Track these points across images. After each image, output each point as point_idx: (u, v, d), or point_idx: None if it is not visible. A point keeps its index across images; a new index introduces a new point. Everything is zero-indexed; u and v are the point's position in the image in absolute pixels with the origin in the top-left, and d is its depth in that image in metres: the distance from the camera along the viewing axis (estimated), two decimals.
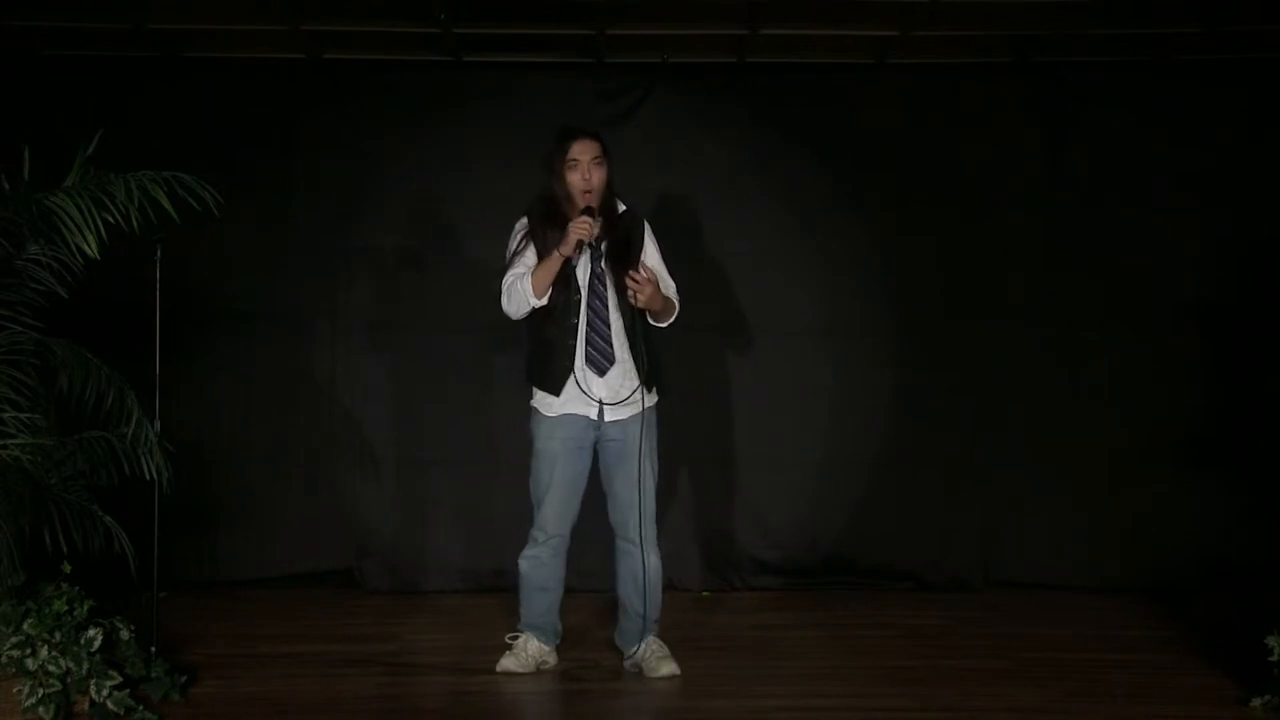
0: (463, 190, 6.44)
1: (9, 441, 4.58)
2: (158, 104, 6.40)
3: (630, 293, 4.87)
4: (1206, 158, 6.50)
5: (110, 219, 4.53)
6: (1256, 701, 4.72)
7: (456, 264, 6.42)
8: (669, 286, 5.11)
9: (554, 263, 4.85)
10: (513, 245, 5.03)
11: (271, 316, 6.49)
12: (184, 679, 4.79)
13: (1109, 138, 6.54)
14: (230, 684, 4.97)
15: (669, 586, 6.52)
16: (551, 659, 5.23)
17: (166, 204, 4.57)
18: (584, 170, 4.91)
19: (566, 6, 6.00)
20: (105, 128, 4.77)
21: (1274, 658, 4.68)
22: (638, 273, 4.87)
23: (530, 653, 5.16)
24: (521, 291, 4.90)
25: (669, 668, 5.11)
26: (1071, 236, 6.56)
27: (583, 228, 4.81)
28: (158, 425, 4.90)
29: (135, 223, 4.56)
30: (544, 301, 4.91)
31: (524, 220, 5.05)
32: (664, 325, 5.13)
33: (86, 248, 4.50)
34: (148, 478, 4.85)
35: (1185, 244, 6.52)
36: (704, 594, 6.54)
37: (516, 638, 5.22)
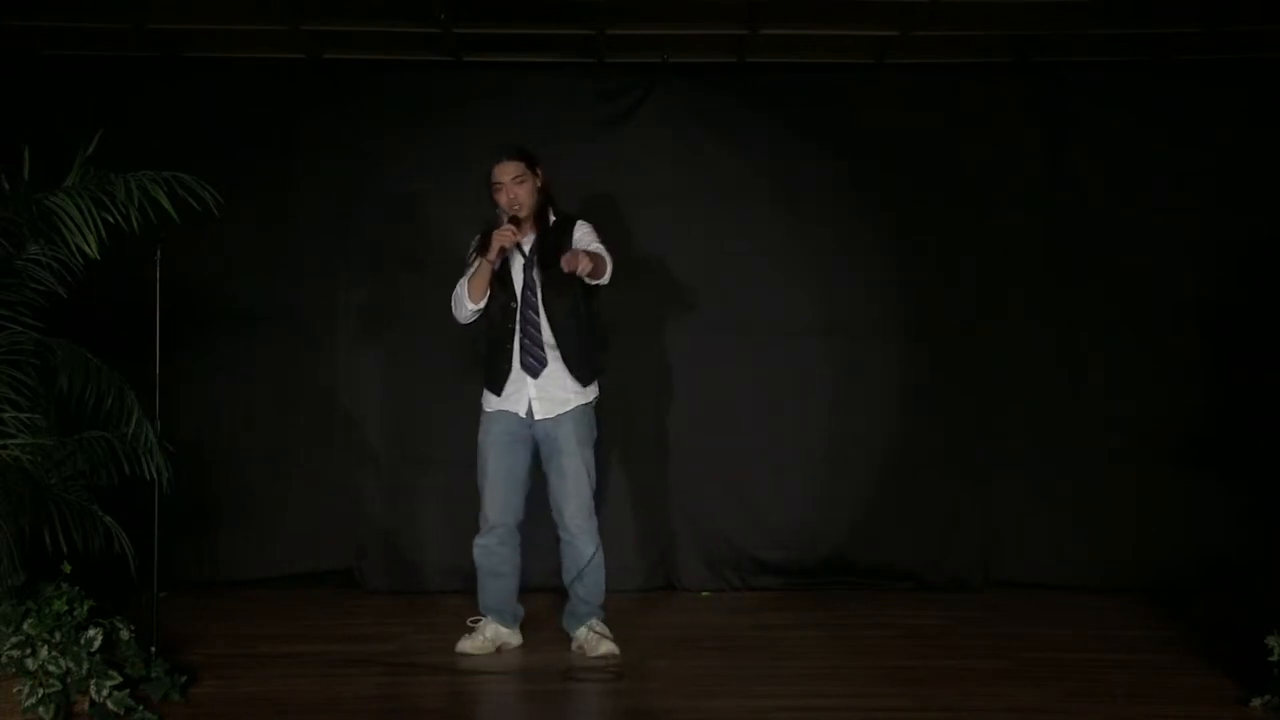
0: (463, 190, 6.43)
1: (9, 441, 4.59)
2: (158, 104, 6.40)
3: (568, 269, 5.10)
4: (1206, 158, 6.50)
5: (110, 219, 4.53)
6: (1256, 701, 4.72)
7: (456, 264, 6.35)
8: (598, 250, 5.26)
9: (483, 269, 5.27)
10: (467, 259, 5.42)
11: (271, 316, 6.49)
12: (184, 679, 4.79)
13: (1109, 138, 6.54)
14: (230, 684, 4.97)
15: (668, 586, 6.57)
16: (514, 639, 5.49)
17: (166, 204, 4.57)
18: (507, 190, 5.29)
19: (566, 6, 6.00)
20: (105, 128, 4.77)
21: (1274, 658, 4.68)
22: (566, 259, 5.13)
23: (488, 635, 5.43)
24: (461, 296, 5.33)
25: (606, 647, 5.37)
26: (1071, 236, 6.56)
27: (504, 235, 5.20)
28: (158, 425, 4.90)
29: (135, 223, 4.56)
30: (481, 305, 5.32)
31: (478, 237, 5.42)
32: (604, 280, 5.29)
33: (86, 248, 4.50)
34: (148, 478, 4.86)
35: (1185, 244, 6.51)
36: (704, 594, 6.54)
37: (477, 621, 5.48)
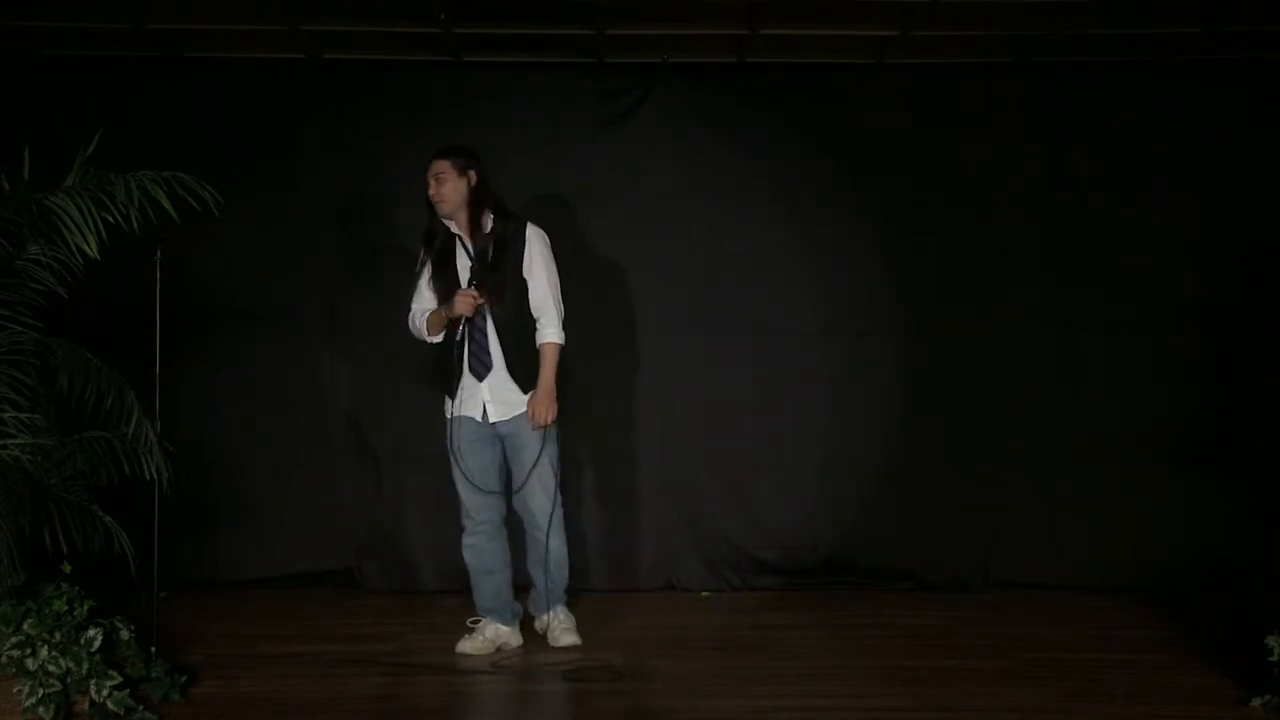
0: None
1: (9, 441, 4.58)
2: (158, 104, 6.40)
3: (534, 421, 5.33)
4: (1206, 158, 6.50)
5: (110, 219, 4.53)
6: (1256, 701, 4.71)
7: None
8: (549, 310, 5.38)
9: (441, 317, 5.39)
10: (418, 264, 5.54)
11: (271, 316, 6.49)
12: (184, 679, 4.78)
13: (1109, 138, 6.54)
14: (230, 684, 4.97)
15: (668, 586, 6.57)
16: (514, 639, 5.49)
17: (166, 204, 4.57)
18: (432, 187, 5.39)
19: (566, 6, 6.00)
20: (105, 128, 4.77)
21: (1274, 658, 4.68)
22: (534, 415, 5.34)
23: (488, 635, 5.46)
24: (420, 329, 5.49)
25: (569, 639, 5.47)
26: (1071, 236, 6.56)
27: (465, 303, 5.28)
28: (158, 425, 4.90)
29: (135, 223, 4.56)
30: (439, 339, 5.46)
31: (423, 244, 5.52)
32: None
33: (86, 248, 4.50)
34: (148, 478, 4.86)
35: (1185, 244, 6.51)
36: (704, 594, 6.53)
37: (477, 622, 5.51)
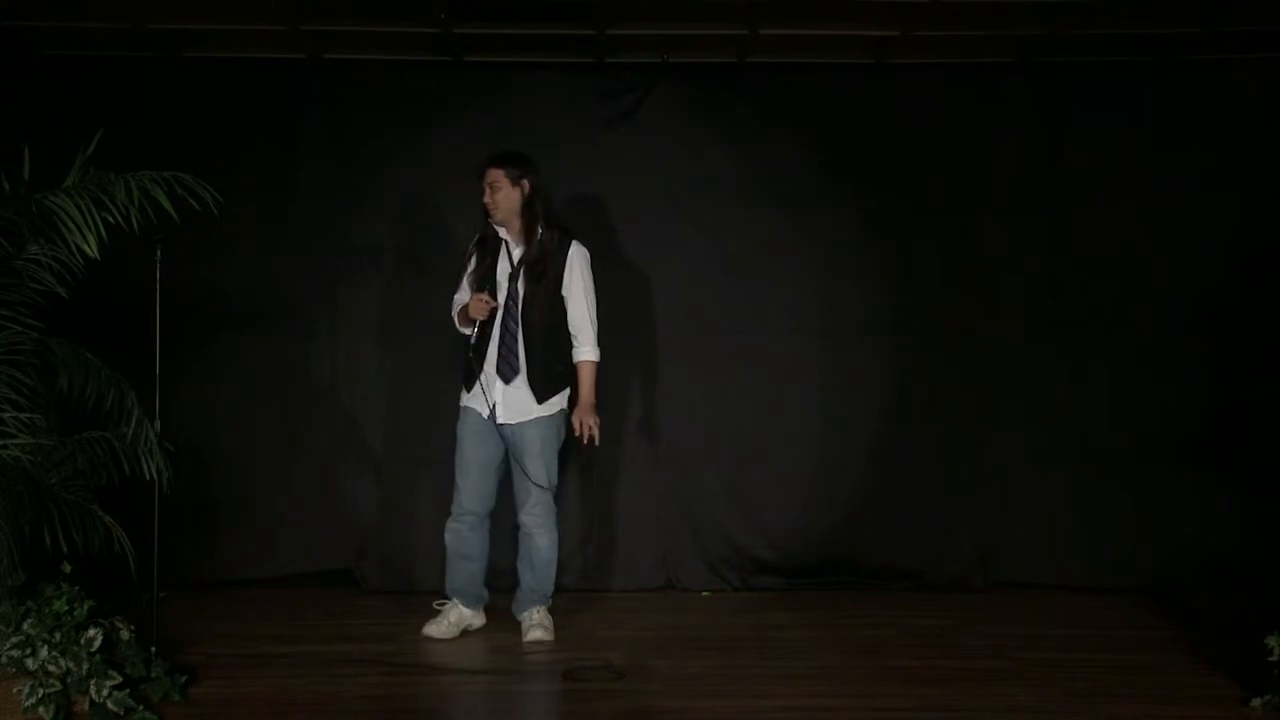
0: (463, 190, 6.43)
1: (9, 441, 4.59)
2: (158, 104, 6.40)
3: (589, 438, 5.58)
4: (1206, 158, 6.50)
5: (110, 219, 4.54)
6: (1256, 701, 4.72)
7: (456, 264, 6.39)
8: (585, 329, 5.61)
9: (467, 316, 5.60)
10: (465, 259, 5.74)
11: (271, 316, 6.49)
12: (184, 679, 4.79)
13: (1109, 138, 6.54)
14: (230, 684, 4.97)
15: (668, 586, 6.57)
16: (477, 621, 5.72)
17: (166, 204, 4.58)
18: (486, 194, 5.57)
19: (566, 6, 6.00)
20: (105, 128, 4.78)
21: (1274, 658, 4.69)
22: (581, 427, 5.59)
23: (453, 620, 5.67)
24: (455, 318, 5.73)
25: (537, 634, 5.60)
26: (1071, 236, 6.56)
27: (479, 308, 5.48)
28: (158, 425, 4.90)
29: (135, 223, 4.57)
30: (470, 331, 5.62)
31: (474, 241, 5.72)
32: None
33: (86, 248, 4.51)
34: (148, 478, 4.86)
35: (1185, 244, 6.51)
36: (704, 594, 6.53)
37: (443, 604, 5.71)
